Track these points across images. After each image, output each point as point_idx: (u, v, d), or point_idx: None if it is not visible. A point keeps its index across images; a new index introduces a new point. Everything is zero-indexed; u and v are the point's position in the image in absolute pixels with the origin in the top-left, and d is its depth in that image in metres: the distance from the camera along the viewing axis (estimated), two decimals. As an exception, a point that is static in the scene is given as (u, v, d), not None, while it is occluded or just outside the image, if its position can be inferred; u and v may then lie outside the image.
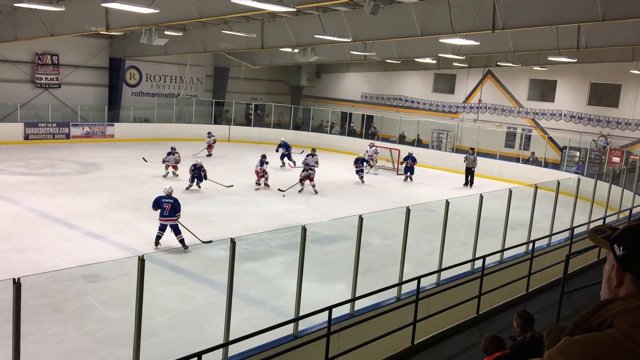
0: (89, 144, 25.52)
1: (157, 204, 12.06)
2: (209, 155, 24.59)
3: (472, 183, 22.47)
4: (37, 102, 26.17)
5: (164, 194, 12.16)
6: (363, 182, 20.94)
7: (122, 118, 28.72)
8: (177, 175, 19.72)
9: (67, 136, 25.77)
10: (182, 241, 11.87)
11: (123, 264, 9.95)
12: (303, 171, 18.69)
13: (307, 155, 20.73)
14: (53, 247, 11.66)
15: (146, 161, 20.19)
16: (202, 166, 18.20)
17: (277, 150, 23.31)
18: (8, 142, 23.70)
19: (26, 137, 24.59)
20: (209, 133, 25.76)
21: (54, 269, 10.22)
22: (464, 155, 22.96)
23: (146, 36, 18.35)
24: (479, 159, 25.32)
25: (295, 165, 22.36)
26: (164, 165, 19.82)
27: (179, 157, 20.00)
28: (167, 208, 11.88)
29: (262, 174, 18.82)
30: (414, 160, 22.53)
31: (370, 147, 24.36)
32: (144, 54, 27.55)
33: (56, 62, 26.77)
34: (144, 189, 17.41)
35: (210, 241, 11.84)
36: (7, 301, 4.57)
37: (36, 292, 8.91)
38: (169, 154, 19.82)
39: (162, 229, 12.01)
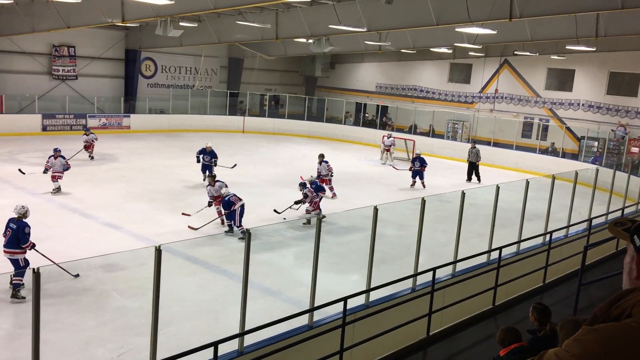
0: (106, 135, 25.70)
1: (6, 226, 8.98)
2: (91, 158, 20.18)
3: (479, 178, 20.83)
4: (54, 93, 26.41)
5: (15, 215, 9.09)
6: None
7: (138, 109, 28.89)
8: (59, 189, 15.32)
9: (84, 127, 25.97)
10: (15, 289, 8.36)
11: (140, 254, 10.04)
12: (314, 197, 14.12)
13: (320, 164, 17.04)
14: (71, 237, 11.80)
15: (23, 173, 15.76)
16: (213, 150, 17.39)
17: (198, 161, 17.65)
18: (26, 133, 23.97)
19: (44, 129, 24.85)
20: (87, 129, 21.29)
21: (73, 258, 10.34)
22: (468, 150, 21.56)
23: (161, 27, 18.42)
24: (494, 149, 25.10)
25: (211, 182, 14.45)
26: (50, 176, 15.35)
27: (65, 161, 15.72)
28: (8, 235, 8.77)
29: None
30: (423, 162, 19.02)
31: (388, 138, 24.20)
32: (159, 46, 27.65)
33: (73, 54, 26.96)
34: (160, 179, 17.53)
35: (77, 274, 9.37)
36: (27, 290, 4.62)
37: (55, 282, 9.02)
38: (50, 156, 15.57)
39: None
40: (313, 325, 6.51)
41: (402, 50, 28.59)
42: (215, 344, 5.31)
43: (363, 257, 7.50)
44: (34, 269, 4.48)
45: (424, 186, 18.91)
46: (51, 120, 25.11)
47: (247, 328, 5.86)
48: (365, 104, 32.03)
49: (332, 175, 17.06)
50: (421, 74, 33.33)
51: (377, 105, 31.82)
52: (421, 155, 19.50)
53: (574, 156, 24.96)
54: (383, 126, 30.08)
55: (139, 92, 29.47)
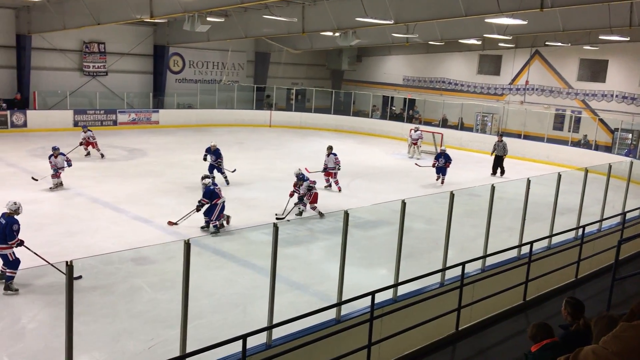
0: (135, 131, 26.09)
1: None
2: (87, 154, 19.71)
3: (502, 171, 20.55)
4: (85, 89, 26.88)
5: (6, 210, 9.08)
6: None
7: (167, 104, 29.22)
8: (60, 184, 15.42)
9: (115, 123, 26.41)
10: (7, 282, 8.67)
11: (169, 248, 10.16)
12: (308, 189, 13.91)
13: (328, 156, 16.88)
14: (103, 231, 12.01)
15: (36, 180, 15.35)
16: (218, 149, 16.67)
17: (204, 159, 17.09)
18: (58, 129, 24.45)
19: (75, 124, 25.29)
20: (84, 127, 20.54)
21: (104, 252, 10.53)
22: (494, 143, 21.04)
23: (189, 23, 18.57)
24: (524, 142, 24.68)
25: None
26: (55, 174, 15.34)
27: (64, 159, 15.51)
28: None
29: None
30: (448, 159, 18.55)
31: (415, 132, 24.00)
32: (187, 41, 27.89)
33: (103, 50, 27.39)
34: (187, 174, 17.70)
35: (80, 276, 8.81)
36: (60, 283, 4.71)
37: (87, 275, 9.20)
38: (51, 156, 15.37)
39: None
40: (341, 319, 6.50)
41: (429, 42, 28.28)
42: (244, 337, 5.34)
43: (391, 251, 7.45)
44: (67, 262, 4.56)
45: (442, 182, 18.42)
46: (82, 115, 25.56)
47: (275, 321, 5.88)
48: (392, 97, 31.82)
49: (339, 169, 16.87)
50: (449, 66, 32.94)
51: (405, 99, 31.58)
52: (446, 151, 19.10)
53: (607, 149, 24.41)
54: (410, 119, 29.84)
55: (167, 87, 29.80)
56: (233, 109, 30.68)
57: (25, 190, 14.69)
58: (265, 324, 5.87)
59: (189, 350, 5.22)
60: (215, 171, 16.26)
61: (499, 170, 20.69)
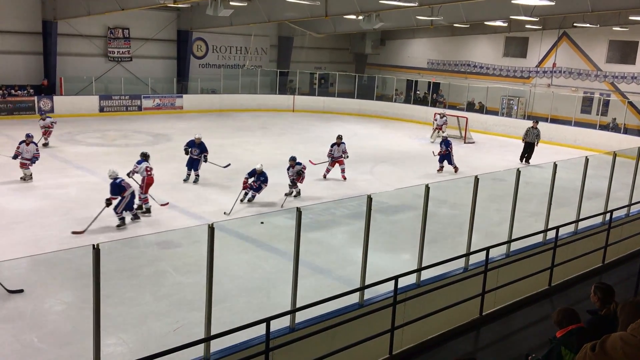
0: (160, 116, 26.31)
1: None
2: (46, 144, 18.38)
3: (528, 159, 19.61)
4: (110, 75, 27.16)
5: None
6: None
7: (190, 90, 29.38)
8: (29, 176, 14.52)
9: (139, 108, 26.66)
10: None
11: (194, 232, 10.27)
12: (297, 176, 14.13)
13: (332, 146, 16.56)
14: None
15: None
16: (203, 143, 15.40)
17: (186, 152, 15.59)
18: (85, 114, 24.80)
19: (101, 110, 25.64)
20: (42, 113, 19.82)
21: (130, 235, 10.69)
22: (527, 129, 19.98)
23: (212, 7, 18.57)
24: (551, 126, 24.26)
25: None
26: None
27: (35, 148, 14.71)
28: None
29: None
30: (447, 145, 17.67)
31: (441, 117, 23.72)
32: (210, 26, 27.94)
33: (127, 36, 27.60)
34: (212, 159, 17.80)
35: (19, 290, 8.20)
36: (88, 266, 4.80)
37: (114, 258, 9.35)
38: (22, 142, 14.51)
39: None
40: (364, 304, 6.51)
41: (454, 25, 27.86)
42: (267, 320, 5.38)
43: (414, 236, 7.42)
44: (93, 245, 4.64)
45: (455, 169, 17.62)
46: (108, 101, 25.86)
47: (298, 305, 5.91)
48: (416, 81, 31.50)
49: (347, 157, 16.38)
50: (475, 49, 32.45)
51: (429, 82, 31.23)
52: (448, 138, 18.19)
53: (637, 132, 23.85)
54: (435, 103, 29.53)
55: (191, 72, 29.94)
56: (256, 94, 30.71)
57: (53, 175, 14.96)
58: (288, 308, 5.91)
59: (213, 332, 5.28)
60: (193, 169, 15.33)
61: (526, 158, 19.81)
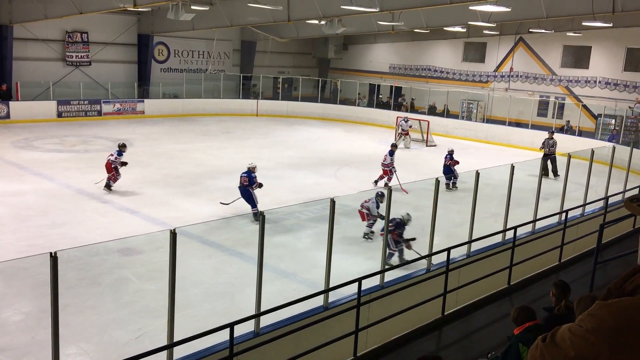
0: (120, 121, 25.87)
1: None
2: None
3: (555, 172, 17.63)
4: (68, 80, 26.56)
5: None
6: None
7: (152, 94, 28.98)
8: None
9: (99, 113, 26.16)
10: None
11: (156, 238, 10.14)
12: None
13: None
14: (88, 222, 11.94)
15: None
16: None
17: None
18: (42, 120, 24.19)
19: (59, 115, 25.04)
20: None
21: (90, 242, 10.48)
22: (543, 140, 18.63)
23: (173, 11, 18.41)
24: (509, 129, 24.74)
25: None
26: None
27: None
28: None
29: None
30: (452, 158, 16.74)
31: (406, 122, 23.84)
32: (172, 30, 27.63)
33: (86, 40, 27.05)
34: (175, 164, 17.64)
35: None
36: (46, 275, 4.71)
37: (73, 266, 9.16)
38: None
39: None
40: (328, 306, 6.56)
41: (415, 30, 28.28)
42: (231, 325, 5.38)
43: (378, 239, 7.51)
44: (51, 253, 4.55)
45: (454, 186, 16.24)
46: (66, 106, 25.28)
47: (262, 309, 5.92)
48: (379, 85, 31.79)
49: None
50: (435, 54, 32.98)
51: (391, 86, 31.56)
52: (452, 152, 17.00)
53: (591, 134, 24.63)
54: (397, 107, 29.86)
55: (153, 77, 29.53)
56: (219, 98, 30.51)
57: (9, 182, 14.57)
58: (253, 312, 5.91)
59: (176, 339, 5.25)
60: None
61: (550, 171, 17.80)
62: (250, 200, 12.57)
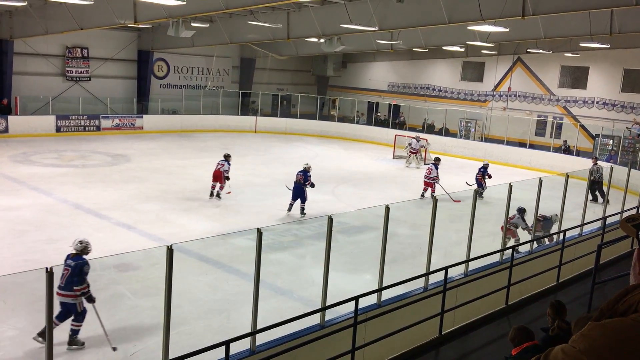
0: (119, 136, 25.91)
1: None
2: None
3: (603, 195, 16.37)
4: (68, 95, 26.65)
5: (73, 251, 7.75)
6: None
7: (151, 110, 29.07)
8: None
9: (98, 128, 26.21)
10: (73, 336, 7.42)
11: (152, 254, 10.10)
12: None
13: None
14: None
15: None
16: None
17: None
18: (41, 134, 24.21)
19: (58, 130, 25.08)
20: None
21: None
22: (589, 168, 17.09)
23: (173, 28, 18.52)
24: (507, 148, 24.76)
25: None
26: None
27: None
28: (65, 275, 7.43)
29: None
30: (484, 173, 17.57)
31: (417, 141, 23.44)
32: (172, 46, 27.80)
33: (86, 55, 27.19)
34: (172, 180, 17.63)
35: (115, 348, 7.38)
36: (41, 290, 4.67)
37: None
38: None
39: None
40: (325, 325, 6.51)
41: (414, 49, 28.50)
42: (227, 343, 5.33)
43: (375, 257, 7.48)
44: (47, 269, 4.52)
45: (481, 196, 15.93)
46: (65, 121, 25.33)
47: (258, 327, 5.87)
48: (377, 103, 31.95)
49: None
50: (433, 73, 33.20)
51: (389, 105, 31.71)
52: (487, 165, 17.98)
53: (589, 154, 24.71)
54: (395, 126, 29.94)
55: (152, 92, 29.65)
56: (218, 115, 30.61)
57: (6, 196, 14.52)
58: (249, 330, 5.86)
59: (171, 357, 5.19)
60: None
61: (598, 196, 17.56)
62: (302, 195, 14.20)
